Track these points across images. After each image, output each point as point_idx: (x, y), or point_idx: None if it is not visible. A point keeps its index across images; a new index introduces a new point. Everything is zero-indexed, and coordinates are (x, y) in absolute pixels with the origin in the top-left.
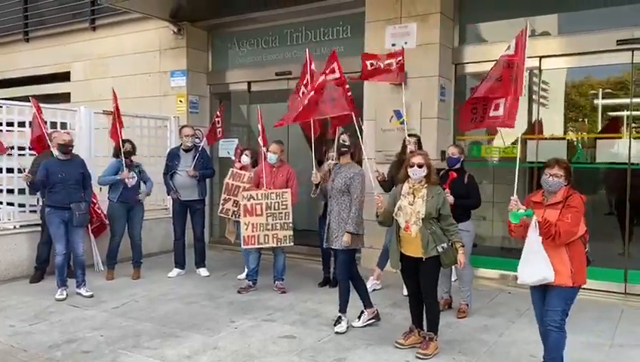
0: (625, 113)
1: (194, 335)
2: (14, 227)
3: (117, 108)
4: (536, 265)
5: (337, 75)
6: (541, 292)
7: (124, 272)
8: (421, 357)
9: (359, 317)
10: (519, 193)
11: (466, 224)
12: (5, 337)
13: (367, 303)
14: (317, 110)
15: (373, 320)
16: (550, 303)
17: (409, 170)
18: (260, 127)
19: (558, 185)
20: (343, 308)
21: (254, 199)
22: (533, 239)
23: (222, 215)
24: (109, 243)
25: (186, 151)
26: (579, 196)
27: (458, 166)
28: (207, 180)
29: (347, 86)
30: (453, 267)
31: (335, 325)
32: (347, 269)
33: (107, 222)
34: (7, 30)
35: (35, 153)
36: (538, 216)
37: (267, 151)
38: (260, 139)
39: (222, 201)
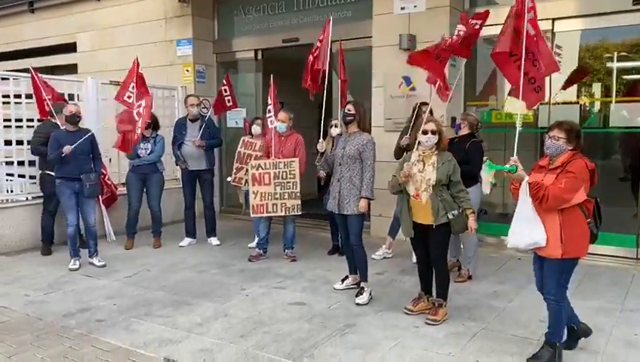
0: None
1: (205, 303)
2: (26, 199)
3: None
4: (527, 228)
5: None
6: (540, 260)
7: (140, 242)
8: (430, 322)
9: (343, 281)
10: (529, 160)
11: (470, 190)
12: (21, 306)
13: (353, 270)
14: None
15: (355, 287)
16: (546, 274)
17: (422, 137)
18: (272, 97)
19: (556, 148)
20: (364, 277)
21: (262, 168)
22: (525, 201)
23: (234, 184)
24: (128, 212)
25: (193, 121)
26: (582, 161)
27: (464, 132)
28: (216, 150)
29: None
30: None
31: (357, 296)
32: (361, 234)
33: (118, 192)
34: (12, 1)
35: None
36: (537, 178)
37: (276, 120)
38: (271, 107)
39: (234, 170)
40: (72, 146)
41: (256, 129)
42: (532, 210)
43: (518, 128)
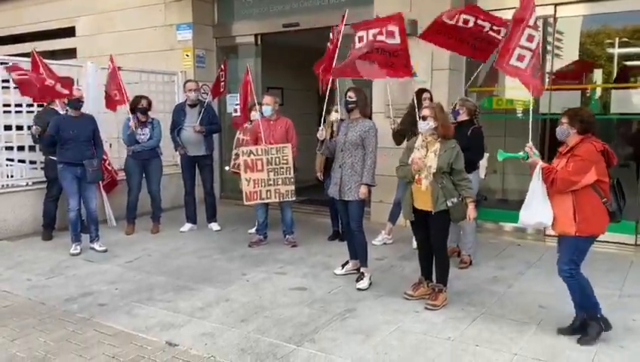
0: None
1: (206, 288)
2: (27, 184)
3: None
4: (535, 209)
5: (398, 40)
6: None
7: (141, 227)
8: (430, 307)
9: (343, 266)
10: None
11: (470, 176)
12: (23, 291)
13: (353, 255)
14: (366, 70)
15: (355, 272)
16: (561, 250)
17: (419, 122)
18: (247, 83)
19: (561, 132)
20: (364, 262)
21: (254, 154)
22: (536, 184)
23: (234, 170)
24: (127, 198)
25: (192, 106)
26: (589, 144)
27: (463, 118)
28: (215, 136)
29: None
30: None
31: (357, 281)
32: (362, 220)
33: (118, 178)
34: None
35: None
36: (555, 163)
37: (260, 104)
38: (239, 96)
39: (233, 156)
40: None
41: (254, 115)
42: (541, 193)
43: (531, 116)
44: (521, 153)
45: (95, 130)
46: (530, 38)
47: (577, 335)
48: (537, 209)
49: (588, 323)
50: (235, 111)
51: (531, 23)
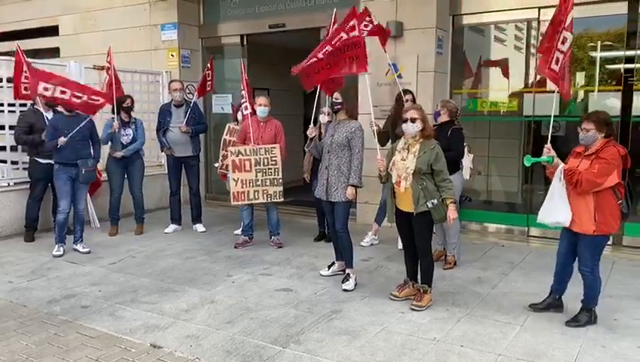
0: (622, 66)
1: (191, 290)
2: (8, 184)
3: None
4: (554, 208)
5: (356, 32)
6: (571, 236)
7: (125, 228)
8: (415, 308)
9: (329, 267)
10: (514, 147)
11: (452, 177)
12: (5, 293)
13: (339, 256)
14: (336, 69)
15: (341, 273)
16: (580, 250)
17: (403, 125)
18: (243, 81)
19: (588, 138)
20: (350, 263)
21: (243, 155)
22: (556, 185)
23: (222, 171)
24: (110, 199)
25: (177, 106)
26: (614, 148)
27: (444, 119)
28: (202, 136)
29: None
30: None
31: (343, 282)
32: (347, 221)
33: (102, 178)
34: None
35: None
36: (574, 164)
37: (256, 105)
38: (244, 93)
39: (220, 157)
40: (67, 138)
41: (241, 116)
42: (561, 193)
43: (552, 119)
44: (545, 157)
45: (92, 130)
46: (564, 41)
47: (550, 311)
48: (556, 208)
49: (581, 311)
50: (246, 108)
51: (567, 25)
